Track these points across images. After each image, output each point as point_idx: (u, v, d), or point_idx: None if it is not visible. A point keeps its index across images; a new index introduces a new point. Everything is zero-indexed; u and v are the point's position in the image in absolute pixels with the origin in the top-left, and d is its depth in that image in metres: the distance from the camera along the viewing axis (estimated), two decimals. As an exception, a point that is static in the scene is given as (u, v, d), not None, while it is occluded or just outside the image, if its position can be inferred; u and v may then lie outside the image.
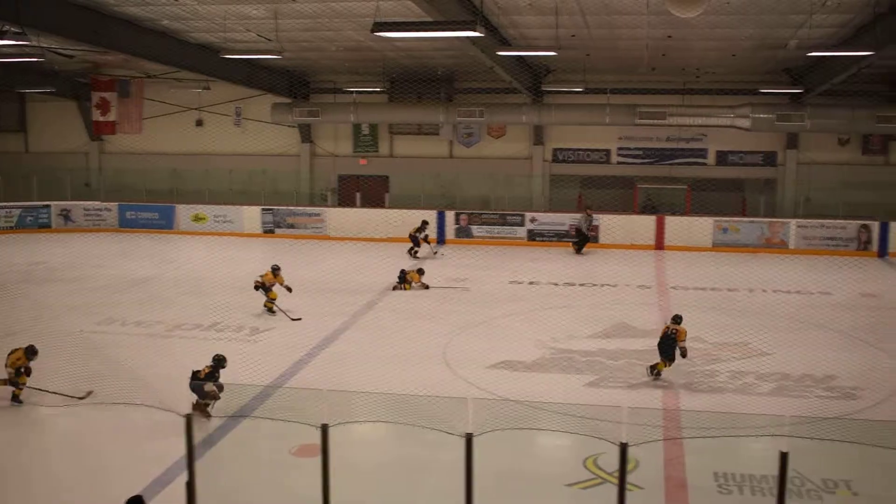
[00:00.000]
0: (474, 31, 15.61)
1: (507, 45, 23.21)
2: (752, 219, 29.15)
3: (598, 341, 17.93)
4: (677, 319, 15.33)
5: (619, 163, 32.20)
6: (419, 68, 30.23)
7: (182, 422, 8.51)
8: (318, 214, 31.84)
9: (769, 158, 31.03)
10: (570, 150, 32.49)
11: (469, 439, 8.02)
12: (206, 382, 13.10)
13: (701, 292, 22.59)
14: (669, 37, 22.72)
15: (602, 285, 23.48)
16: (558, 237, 29.95)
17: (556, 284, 23.58)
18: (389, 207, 32.65)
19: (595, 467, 11.45)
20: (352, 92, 32.27)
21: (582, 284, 23.61)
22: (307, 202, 33.88)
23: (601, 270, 25.23)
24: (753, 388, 15.16)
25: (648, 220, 29.59)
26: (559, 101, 31.00)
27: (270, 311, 19.85)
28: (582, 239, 28.86)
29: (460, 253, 28.51)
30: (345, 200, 34.31)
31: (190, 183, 34.68)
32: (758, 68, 27.66)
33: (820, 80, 25.61)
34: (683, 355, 15.13)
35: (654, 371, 15.36)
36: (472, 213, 30.74)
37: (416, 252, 27.30)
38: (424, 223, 27.78)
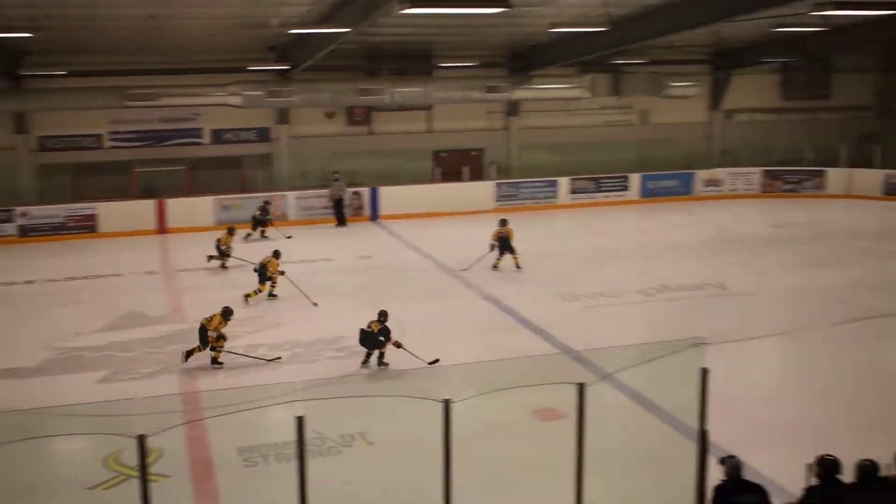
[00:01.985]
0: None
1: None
2: (252, 194, 29.65)
3: (108, 334, 17.21)
4: None
5: (112, 147, 30.92)
6: None
7: None
8: None
9: (263, 134, 31.69)
10: (59, 137, 30.49)
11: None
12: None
13: (207, 273, 22.58)
14: (154, 16, 22.19)
15: (106, 276, 22.51)
16: (55, 230, 28.14)
17: (55, 281, 22.19)
18: None
19: (118, 464, 11.02)
20: None
21: (85, 277, 22.43)
22: None
23: (102, 261, 24.16)
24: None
25: (148, 205, 28.85)
26: (42, 85, 28.93)
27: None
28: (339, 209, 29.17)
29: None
30: None
31: None
32: (245, 46, 28.02)
33: (304, 57, 26.60)
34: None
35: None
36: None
37: None
38: None
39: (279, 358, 15.46)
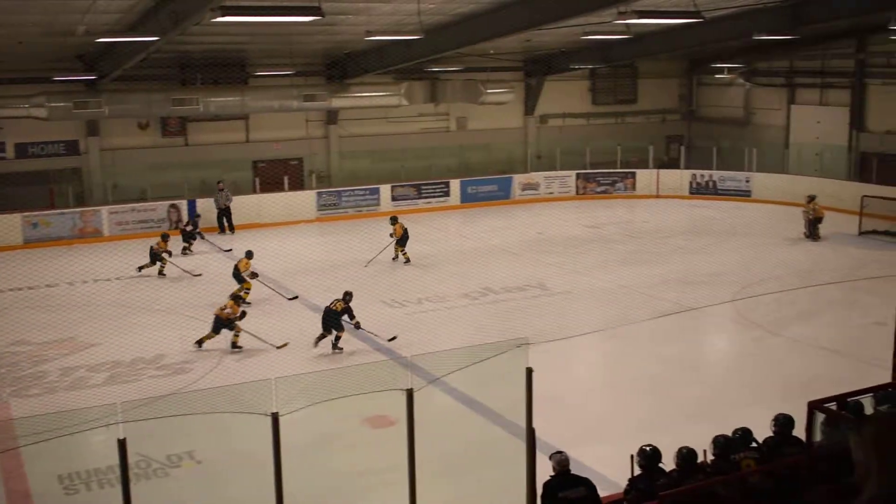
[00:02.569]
0: None
1: None
2: (62, 210, 28.38)
3: None
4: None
5: None
6: None
7: None
8: None
9: (72, 147, 30.38)
10: None
11: None
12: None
13: (18, 293, 21.46)
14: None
15: None
16: None
17: None
18: None
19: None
20: None
21: None
22: None
23: None
24: (86, 382, 14.88)
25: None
26: None
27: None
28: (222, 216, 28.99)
29: None
30: None
31: None
32: (50, 55, 26.79)
33: (113, 66, 25.67)
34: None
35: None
36: None
37: None
38: None
39: (286, 344, 16.37)
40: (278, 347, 16.25)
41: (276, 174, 31.85)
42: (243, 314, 16.87)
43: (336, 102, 31.20)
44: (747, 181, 33.03)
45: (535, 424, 8.77)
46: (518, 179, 34.68)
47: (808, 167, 33.30)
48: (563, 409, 13.03)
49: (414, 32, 22.21)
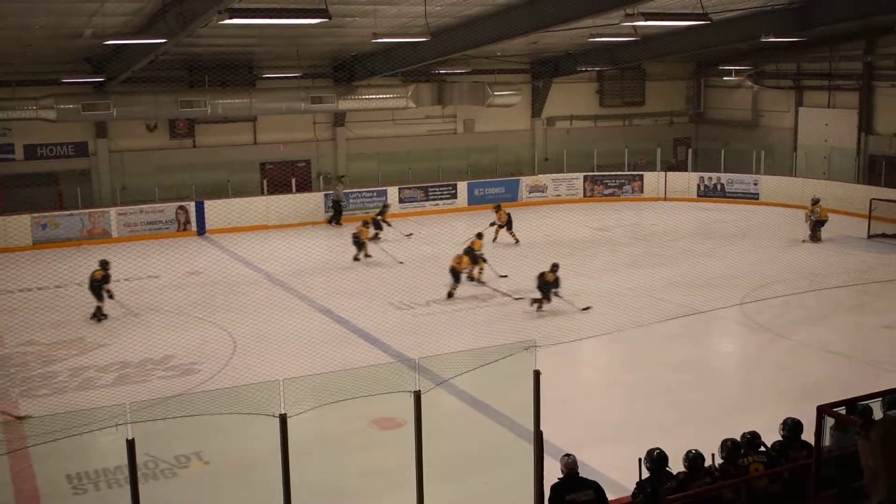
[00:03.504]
0: None
1: None
2: (70, 211, 28.46)
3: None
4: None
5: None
6: None
7: None
8: None
9: (81, 149, 30.45)
10: None
11: None
12: None
13: (28, 293, 21.51)
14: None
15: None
16: None
17: None
18: None
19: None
20: None
21: None
22: None
23: None
24: (95, 382, 14.92)
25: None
26: None
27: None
28: (338, 210, 30.42)
29: None
30: None
31: None
32: (58, 57, 26.87)
33: (121, 68, 25.73)
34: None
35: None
36: None
37: None
38: None
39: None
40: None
41: (283, 176, 31.89)
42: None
43: (343, 104, 31.23)
44: (755, 184, 32.98)
45: (542, 427, 8.77)
46: (525, 181, 34.67)
47: (816, 170, 33.23)
48: (570, 412, 13.02)
49: (420, 34, 22.22)
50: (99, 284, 18.94)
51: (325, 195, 31.25)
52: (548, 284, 19.03)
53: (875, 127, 32.21)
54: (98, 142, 30.28)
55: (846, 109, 33.12)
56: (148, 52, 22.71)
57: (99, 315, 18.71)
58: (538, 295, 19.18)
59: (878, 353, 15.70)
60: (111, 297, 18.97)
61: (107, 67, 26.86)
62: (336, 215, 30.88)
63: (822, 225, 26.02)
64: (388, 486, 10.86)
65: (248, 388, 11.87)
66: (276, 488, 7.82)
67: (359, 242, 24.48)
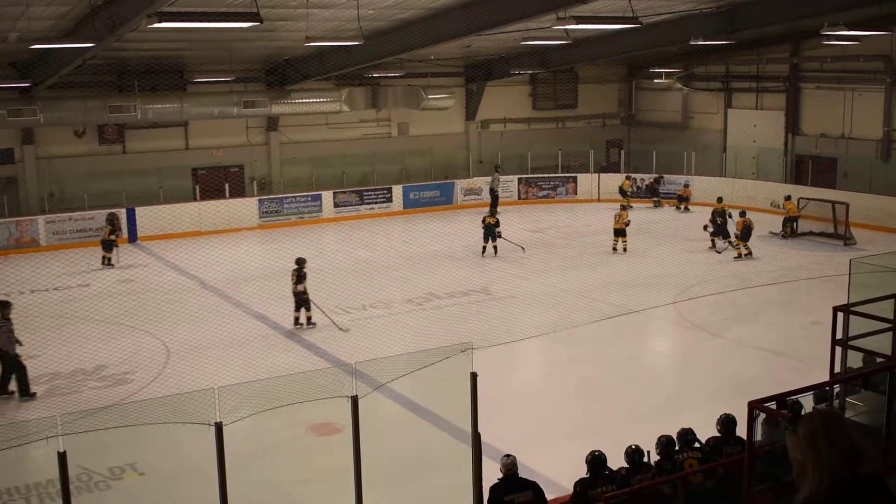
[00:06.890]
0: None
1: None
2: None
3: None
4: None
5: None
6: None
7: None
8: None
9: (7, 156, 29.79)
10: None
11: None
12: None
13: None
14: None
15: None
16: None
17: None
18: None
19: None
20: None
21: None
22: None
23: None
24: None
25: None
26: None
27: None
28: (494, 199, 31.32)
29: None
30: None
31: None
32: (-19, 63, 26.29)
33: (48, 73, 25.23)
34: None
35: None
36: None
37: None
38: None
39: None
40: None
41: (216, 181, 31.53)
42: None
43: (276, 109, 30.99)
44: (686, 185, 33.45)
45: (480, 429, 8.80)
46: (460, 184, 34.76)
47: (745, 170, 33.85)
48: (508, 413, 13.07)
49: (354, 38, 22.13)
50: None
51: (334, 193, 31.23)
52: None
53: (801, 128, 32.91)
54: (25, 148, 29.62)
55: (773, 111, 33.81)
56: (76, 57, 22.30)
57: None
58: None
59: (809, 348, 16.03)
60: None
61: (33, 72, 26.30)
62: (493, 203, 31.52)
63: (796, 220, 27.30)
64: (326, 493, 10.79)
65: (183, 397, 11.75)
66: (213, 498, 7.72)
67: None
